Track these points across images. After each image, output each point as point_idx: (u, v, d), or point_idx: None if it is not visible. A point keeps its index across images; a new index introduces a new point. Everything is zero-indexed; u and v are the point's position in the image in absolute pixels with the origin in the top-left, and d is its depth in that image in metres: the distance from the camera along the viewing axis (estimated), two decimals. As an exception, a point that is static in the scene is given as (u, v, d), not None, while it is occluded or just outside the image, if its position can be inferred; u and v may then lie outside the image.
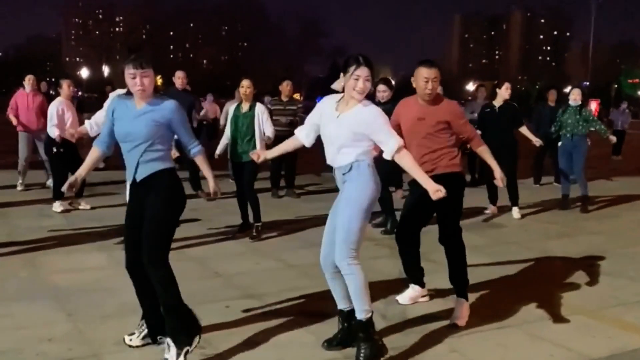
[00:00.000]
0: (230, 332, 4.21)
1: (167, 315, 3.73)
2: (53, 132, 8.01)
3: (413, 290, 4.97)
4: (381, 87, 7.64)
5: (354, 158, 3.78)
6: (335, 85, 3.92)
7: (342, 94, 3.89)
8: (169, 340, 3.71)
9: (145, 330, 3.94)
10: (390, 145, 3.79)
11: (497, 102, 8.76)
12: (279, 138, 7.52)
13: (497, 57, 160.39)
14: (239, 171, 7.16)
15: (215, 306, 4.69)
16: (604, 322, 4.61)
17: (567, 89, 11.64)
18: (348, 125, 3.78)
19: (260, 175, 10.97)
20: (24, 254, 6.11)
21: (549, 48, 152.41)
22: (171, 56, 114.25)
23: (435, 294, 5.09)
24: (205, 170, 4.01)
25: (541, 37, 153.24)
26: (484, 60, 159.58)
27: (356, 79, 3.74)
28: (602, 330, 4.45)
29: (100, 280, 5.32)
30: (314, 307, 4.72)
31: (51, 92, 15.98)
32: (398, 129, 4.57)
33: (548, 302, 5.00)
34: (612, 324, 4.58)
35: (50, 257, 6.03)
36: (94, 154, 3.97)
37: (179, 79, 9.42)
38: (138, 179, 3.78)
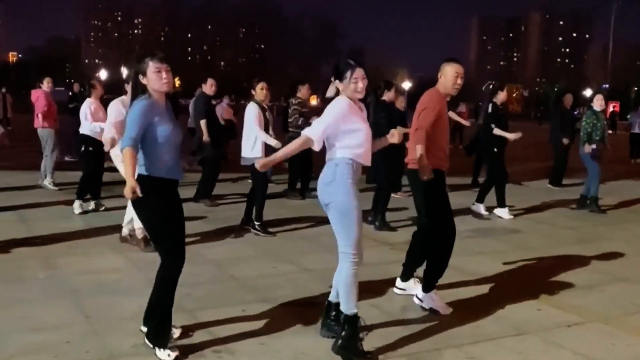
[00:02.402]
0: (246, 336, 4.21)
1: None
2: (96, 128, 8.08)
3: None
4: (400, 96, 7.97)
5: None
6: (330, 93, 4.05)
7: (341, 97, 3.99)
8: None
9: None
10: None
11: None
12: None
13: (515, 59, 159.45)
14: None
15: (232, 309, 4.69)
16: (624, 330, 4.55)
17: (587, 92, 11.68)
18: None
19: (282, 177, 11.02)
20: (42, 255, 6.16)
21: (567, 50, 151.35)
22: (189, 58, 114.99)
23: (454, 300, 5.05)
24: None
25: (560, 39, 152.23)
26: (502, 63, 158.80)
27: (355, 82, 3.92)
28: (622, 338, 4.40)
29: (118, 283, 5.35)
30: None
31: (82, 89, 16.14)
32: (438, 121, 4.78)
33: (566, 309, 4.95)
34: (632, 332, 4.53)
35: (69, 258, 6.08)
36: (134, 156, 3.65)
37: (212, 86, 9.34)
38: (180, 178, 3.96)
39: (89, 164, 8.30)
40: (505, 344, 4.22)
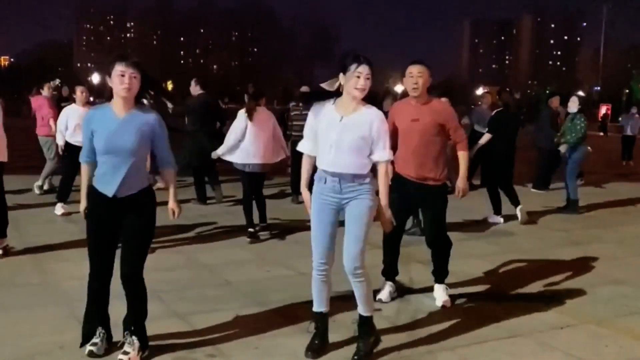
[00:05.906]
0: (240, 340, 4.22)
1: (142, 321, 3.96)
2: (59, 139, 8.61)
3: (391, 287, 5.16)
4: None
5: (357, 169, 3.78)
6: (326, 85, 3.87)
7: (334, 99, 3.86)
8: (135, 339, 3.87)
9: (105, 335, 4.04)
10: (383, 156, 3.84)
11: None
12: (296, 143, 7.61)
13: (507, 62, 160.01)
14: (254, 177, 7.35)
15: (226, 314, 4.69)
16: (616, 332, 4.58)
17: (579, 94, 11.74)
18: (354, 129, 3.76)
19: (278, 181, 11.04)
20: (35, 260, 6.14)
21: (559, 53, 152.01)
22: (182, 62, 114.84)
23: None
24: (172, 186, 4.01)
25: (551, 42, 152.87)
26: (494, 65, 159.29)
27: (358, 76, 3.73)
28: (614, 340, 4.42)
29: (111, 288, 5.32)
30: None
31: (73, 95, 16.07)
32: (394, 130, 4.70)
33: (559, 310, 4.98)
34: (624, 334, 4.56)
35: (62, 263, 6.06)
36: (87, 171, 3.83)
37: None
38: (119, 196, 3.71)
39: (67, 168, 8.41)
40: (498, 346, 4.24)
